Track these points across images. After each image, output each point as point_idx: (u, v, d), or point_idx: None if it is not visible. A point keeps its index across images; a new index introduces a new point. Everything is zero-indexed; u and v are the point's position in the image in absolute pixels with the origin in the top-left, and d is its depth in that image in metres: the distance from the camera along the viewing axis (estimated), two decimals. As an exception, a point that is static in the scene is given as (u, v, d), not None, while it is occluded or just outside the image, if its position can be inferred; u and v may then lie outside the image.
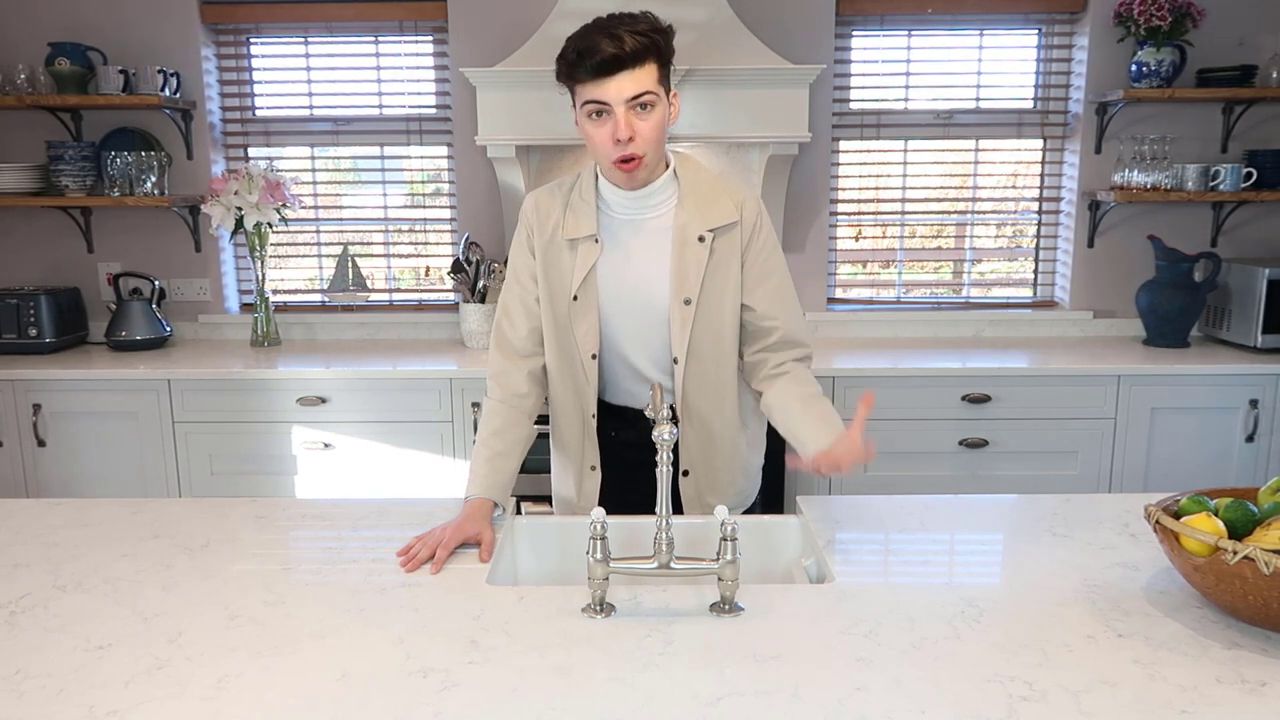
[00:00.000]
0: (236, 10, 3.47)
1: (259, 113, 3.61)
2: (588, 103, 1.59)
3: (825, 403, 1.72)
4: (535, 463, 3.19)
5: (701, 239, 1.71)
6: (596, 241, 1.73)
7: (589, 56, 1.54)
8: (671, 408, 1.80)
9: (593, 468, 1.83)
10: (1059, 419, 3.06)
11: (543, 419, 1.89)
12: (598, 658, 1.21)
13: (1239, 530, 1.29)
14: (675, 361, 1.74)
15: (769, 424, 1.93)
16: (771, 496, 1.97)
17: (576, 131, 3.41)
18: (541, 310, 1.78)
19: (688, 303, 1.71)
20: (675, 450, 1.78)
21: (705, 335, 1.74)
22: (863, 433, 1.55)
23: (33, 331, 3.29)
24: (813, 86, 3.23)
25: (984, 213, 3.67)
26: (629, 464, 1.81)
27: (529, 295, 1.79)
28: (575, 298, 1.74)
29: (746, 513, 1.89)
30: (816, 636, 1.26)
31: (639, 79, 1.56)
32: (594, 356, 1.76)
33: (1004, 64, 3.56)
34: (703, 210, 1.72)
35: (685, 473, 1.81)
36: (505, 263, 3.32)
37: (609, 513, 1.82)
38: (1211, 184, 3.26)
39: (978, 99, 3.56)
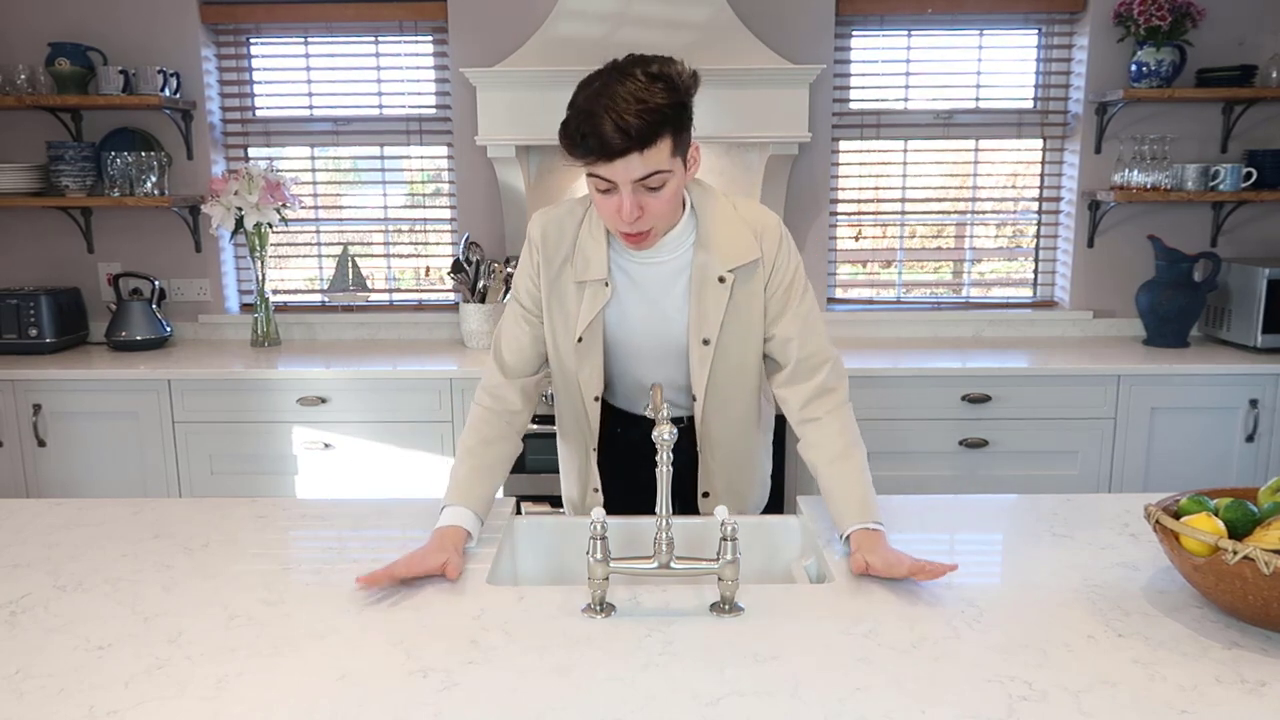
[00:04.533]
0: (236, 10, 3.47)
1: (259, 113, 3.61)
2: (593, 176, 1.48)
3: (850, 463, 1.59)
4: (536, 463, 3.18)
5: (722, 279, 1.62)
6: (606, 285, 1.64)
7: (591, 138, 1.42)
8: (684, 419, 1.79)
9: (595, 489, 1.81)
10: (1059, 419, 3.06)
11: (549, 419, 1.89)
12: (598, 658, 1.21)
13: (1239, 530, 1.29)
14: (694, 399, 1.70)
15: (775, 425, 1.94)
16: (771, 496, 1.97)
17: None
18: (548, 343, 1.72)
19: (706, 343, 1.65)
20: (694, 471, 1.77)
21: (725, 371, 1.69)
22: (909, 565, 1.41)
23: (33, 331, 3.29)
24: (813, 86, 3.24)
25: (984, 213, 3.67)
26: (638, 469, 1.79)
27: (532, 315, 1.72)
28: (580, 339, 1.67)
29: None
30: (816, 636, 1.26)
31: (648, 160, 1.44)
32: (596, 399, 1.71)
33: (1004, 64, 3.56)
34: (723, 249, 1.62)
35: (705, 494, 1.79)
36: (505, 262, 3.36)
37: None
38: (1211, 184, 3.25)
39: (978, 99, 3.56)
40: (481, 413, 1.70)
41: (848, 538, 1.51)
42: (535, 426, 2.98)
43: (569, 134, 1.46)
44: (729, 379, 1.70)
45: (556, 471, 3.03)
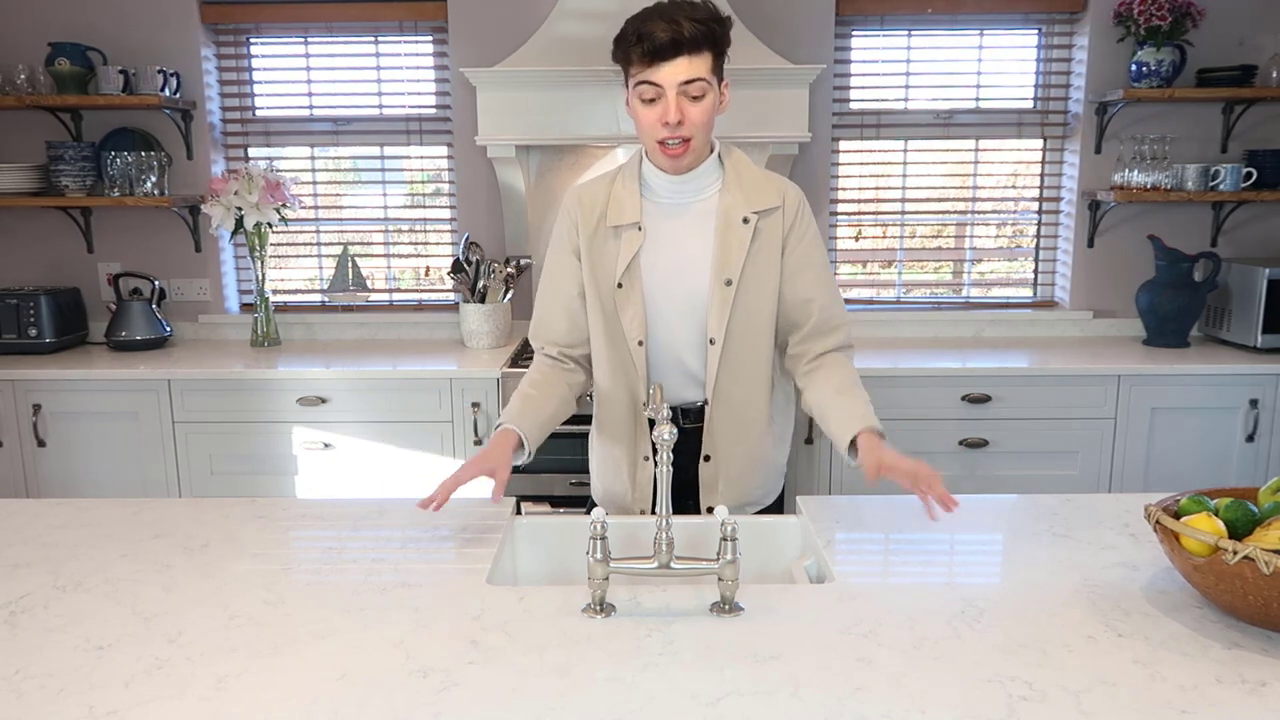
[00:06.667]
0: (236, 10, 3.47)
1: (259, 113, 3.61)
2: (640, 84, 1.63)
3: (859, 392, 1.70)
4: (535, 462, 3.18)
5: (746, 220, 1.73)
6: (640, 229, 1.74)
7: (646, 40, 1.59)
8: (696, 407, 1.79)
9: (646, 458, 1.83)
10: (1059, 419, 3.06)
11: (580, 419, 1.88)
12: (598, 658, 1.21)
13: (1239, 530, 1.29)
14: (711, 342, 1.75)
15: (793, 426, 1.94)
16: (771, 496, 1.97)
17: (576, 131, 3.41)
18: (588, 299, 1.80)
19: (728, 283, 1.73)
20: (699, 436, 1.80)
21: (743, 318, 1.75)
22: (905, 466, 1.54)
23: (33, 331, 3.29)
24: (813, 86, 3.24)
25: (984, 213, 3.67)
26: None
27: (569, 292, 1.81)
28: (620, 285, 1.75)
29: (763, 511, 1.89)
30: (816, 636, 1.26)
31: (693, 66, 1.61)
32: (640, 343, 1.76)
33: (1004, 64, 3.56)
34: (747, 194, 1.75)
35: (707, 458, 1.81)
36: (506, 262, 3.36)
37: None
38: (1211, 184, 3.26)
39: (978, 99, 3.56)
40: (534, 364, 1.86)
41: (852, 450, 1.62)
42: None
43: (624, 41, 1.63)
44: (745, 326, 1.75)
45: (557, 471, 3.06)
